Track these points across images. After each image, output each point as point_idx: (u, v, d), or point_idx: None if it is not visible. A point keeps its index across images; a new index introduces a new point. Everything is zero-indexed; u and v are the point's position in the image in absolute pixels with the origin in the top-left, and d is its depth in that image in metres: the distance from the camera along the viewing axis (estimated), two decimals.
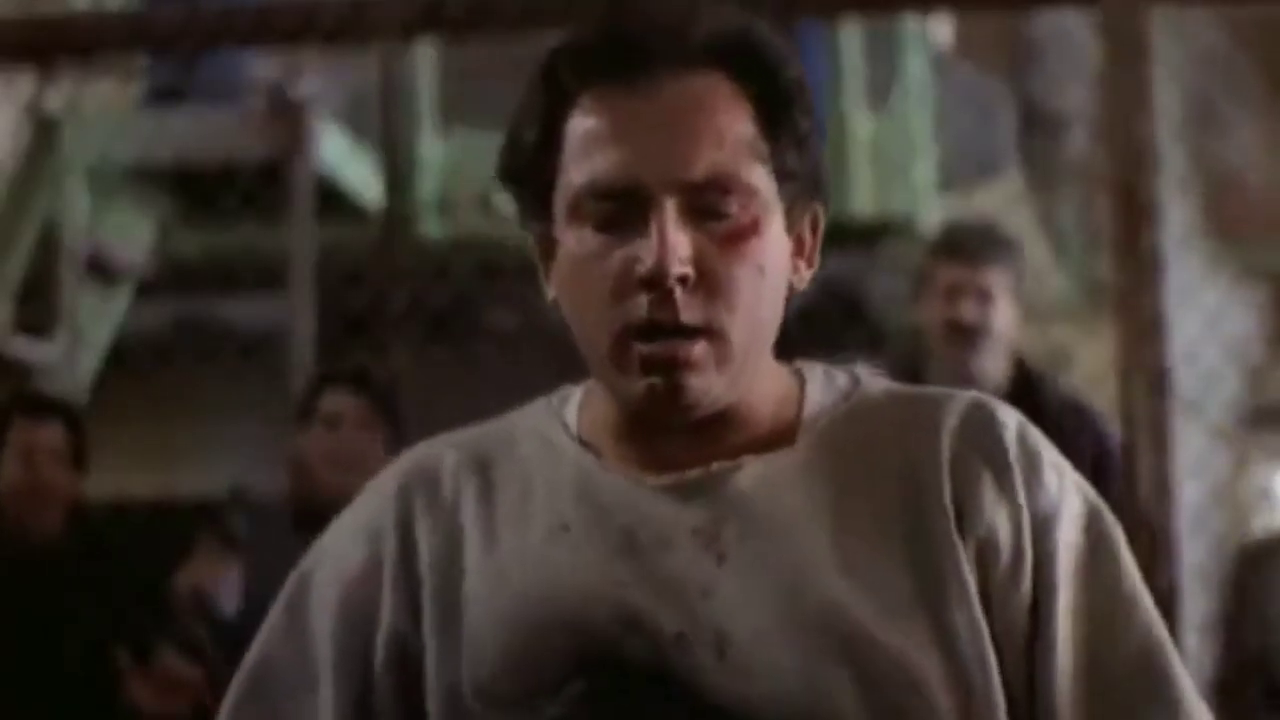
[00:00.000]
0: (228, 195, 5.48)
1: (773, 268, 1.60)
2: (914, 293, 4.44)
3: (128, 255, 6.65)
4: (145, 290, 6.78)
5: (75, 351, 6.17)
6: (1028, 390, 4.33)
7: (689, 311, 1.55)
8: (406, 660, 1.64)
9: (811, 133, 1.61)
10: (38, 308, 6.34)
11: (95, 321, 6.34)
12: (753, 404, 1.63)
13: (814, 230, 1.66)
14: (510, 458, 1.69)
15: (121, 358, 6.37)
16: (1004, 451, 1.62)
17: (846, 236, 6.97)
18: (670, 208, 1.55)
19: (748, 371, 1.60)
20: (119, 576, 4.27)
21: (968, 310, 4.21)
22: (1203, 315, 4.45)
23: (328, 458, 3.97)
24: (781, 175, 1.60)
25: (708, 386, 1.58)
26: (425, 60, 6.62)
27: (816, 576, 1.56)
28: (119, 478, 4.79)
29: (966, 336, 4.19)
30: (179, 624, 4.06)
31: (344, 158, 6.16)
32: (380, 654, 1.65)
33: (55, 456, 4.38)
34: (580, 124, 1.59)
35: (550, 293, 1.68)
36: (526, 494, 1.65)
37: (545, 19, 4.76)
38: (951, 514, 1.58)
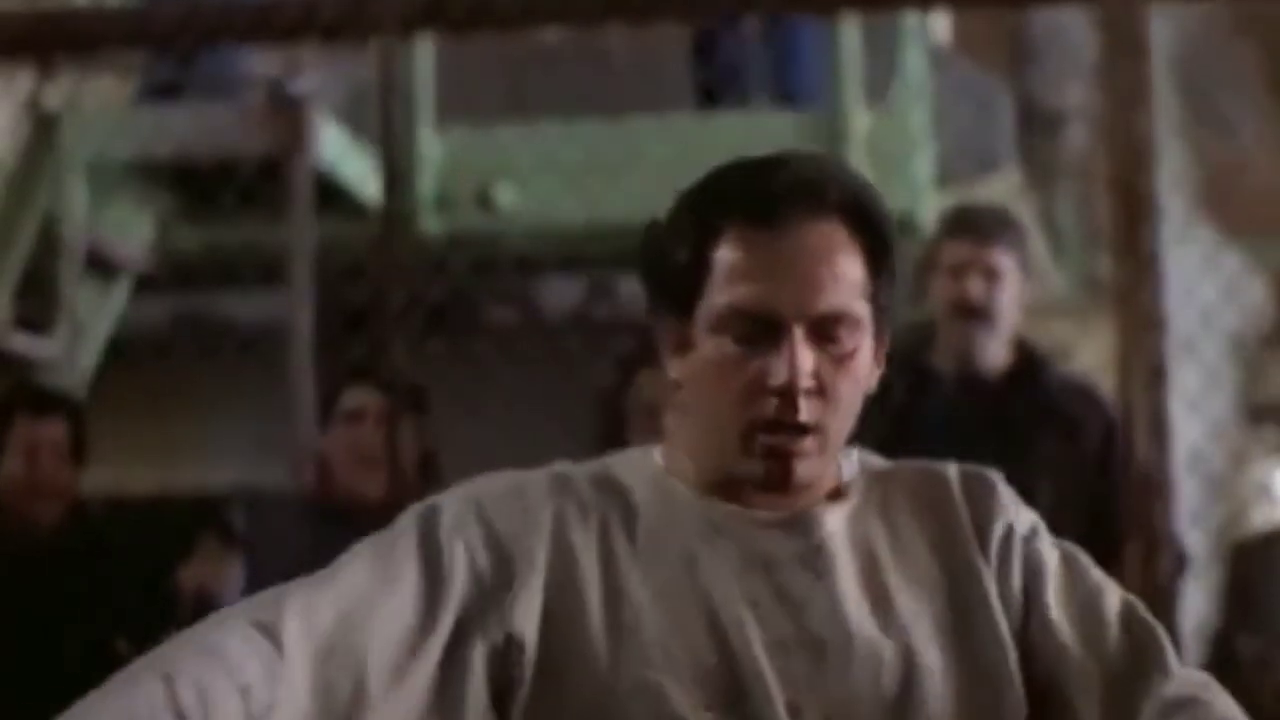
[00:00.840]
0: (227, 191, 5.49)
1: (864, 378, 2.02)
2: (912, 289, 4.45)
3: (127, 251, 6.65)
4: (144, 286, 6.78)
5: (75, 346, 6.18)
6: (1031, 372, 4.33)
7: (806, 414, 1.96)
8: (511, 643, 1.93)
9: (892, 264, 2.03)
10: (37, 303, 6.34)
11: (94, 317, 6.35)
12: (827, 466, 2.05)
13: (882, 341, 2.05)
14: (630, 491, 2.05)
15: (121, 353, 6.38)
16: (995, 488, 2.08)
17: None
18: (799, 333, 1.95)
19: (836, 444, 2.02)
20: (119, 571, 4.28)
21: (974, 288, 4.20)
22: (1200, 311, 4.46)
23: (351, 453, 4.04)
24: (876, 306, 2.01)
25: (810, 470, 2.00)
26: (425, 57, 6.63)
27: (885, 594, 2.00)
28: (118, 472, 4.79)
29: (973, 315, 4.19)
30: (179, 619, 4.07)
31: (343, 154, 6.17)
32: (504, 617, 1.94)
33: (58, 452, 4.39)
34: (727, 255, 1.97)
35: (673, 373, 2.06)
36: (660, 524, 2.02)
37: (543, 16, 4.76)
38: (973, 535, 2.03)
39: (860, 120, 6.92)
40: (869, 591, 2.00)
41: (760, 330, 1.96)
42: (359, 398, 4.09)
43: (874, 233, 2.01)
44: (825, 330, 1.97)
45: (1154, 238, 3.89)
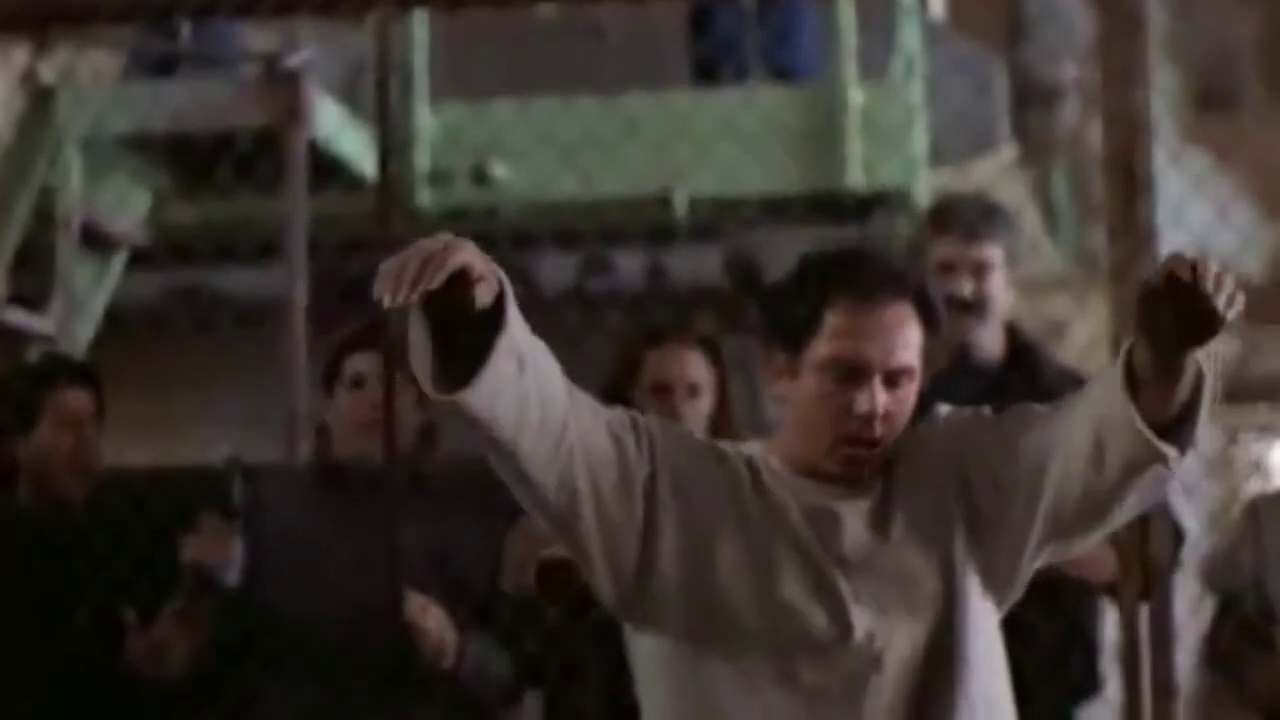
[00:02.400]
0: (223, 165, 5.48)
1: (909, 396, 2.91)
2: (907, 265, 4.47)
3: (123, 225, 6.65)
4: (140, 260, 6.78)
5: (71, 321, 6.18)
6: (1024, 359, 4.36)
7: (878, 432, 2.88)
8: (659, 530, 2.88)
9: (940, 330, 2.94)
10: (33, 278, 6.34)
11: (90, 292, 6.35)
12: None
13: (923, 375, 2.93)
14: (759, 468, 2.96)
15: (116, 327, 6.38)
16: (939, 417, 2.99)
17: (840, 209, 6.98)
18: (878, 380, 2.86)
19: (885, 454, 2.93)
20: (124, 542, 4.31)
21: (963, 286, 4.24)
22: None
23: (353, 418, 4.12)
24: (924, 350, 2.90)
25: (871, 468, 2.92)
26: (421, 32, 6.62)
27: (936, 540, 2.90)
28: (115, 446, 4.80)
29: (964, 310, 4.23)
30: (182, 592, 4.09)
31: (339, 129, 6.17)
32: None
33: (92, 422, 4.41)
34: (834, 319, 2.87)
35: (778, 391, 2.96)
36: (772, 489, 2.94)
37: None
38: (955, 473, 2.92)
39: (856, 96, 6.92)
40: (885, 528, 2.90)
41: (852, 374, 2.86)
42: (361, 364, 4.14)
43: (929, 312, 2.91)
44: (894, 379, 2.88)
45: (1150, 215, 3.90)
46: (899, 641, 2.84)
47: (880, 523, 2.91)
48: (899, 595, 2.87)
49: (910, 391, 2.89)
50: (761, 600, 2.85)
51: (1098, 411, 2.73)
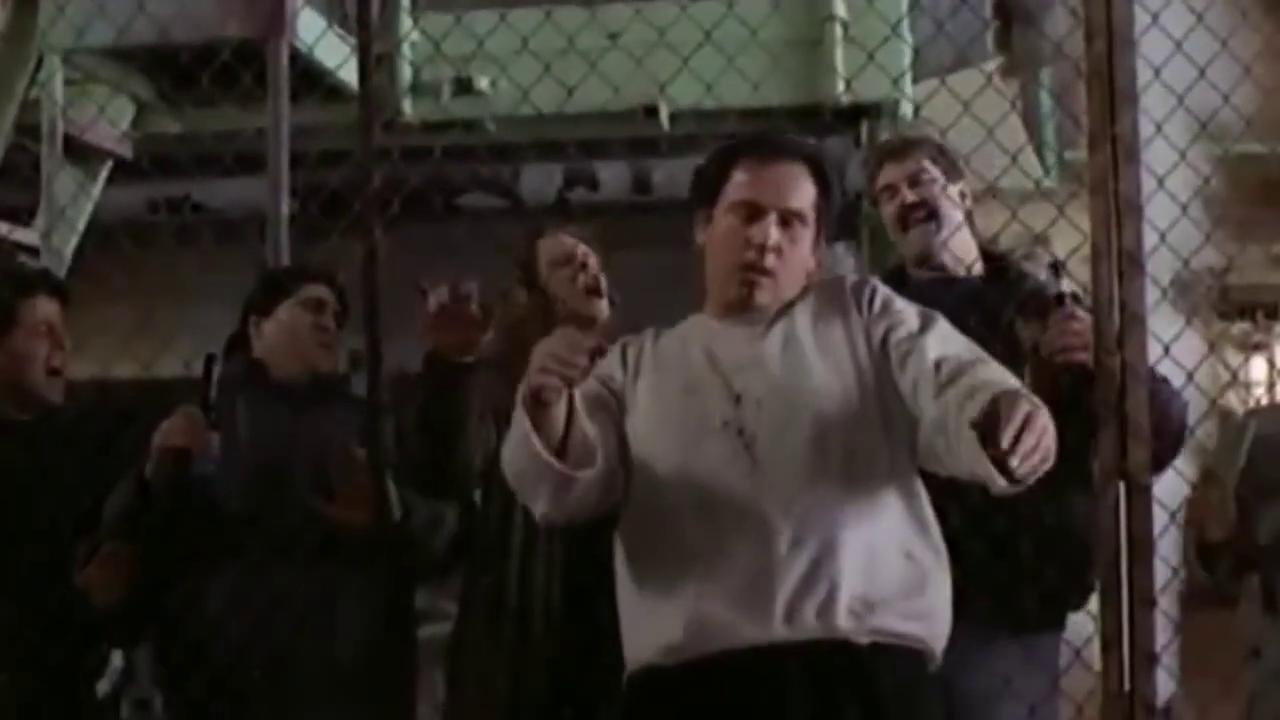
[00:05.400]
0: (206, 77, 5.47)
1: (804, 247, 3.54)
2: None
3: (106, 137, 6.64)
4: (123, 170, 6.78)
5: (54, 232, 6.18)
6: (1005, 271, 4.40)
7: (769, 262, 3.48)
8: (605, 404, 3.48)
9: (833, 200, 3.58)
10: (17, 190, 6.34)
11: (74, 203, 6.35)
12: (780, 300, 3.53)
13: (817, 245, 3.57)
14: (666, 331, 3.62)
15: (100, 239, 6.38)
16: (874, 288, 3.53)
17: (824, 121, 6.99)
18: (773, 218, 3.49)
19: (785, 291, 3.52)
20: (106, 450, 4.34)
21: (905, 196, 4.35)
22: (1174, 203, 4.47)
23: (313, 333, 4.46)
24: (817, 217, 3.55)
25: (765, 296, 3.50)
26: None
27: (801, 354, 3.44)
28: (100, 357, 4.82)
29: (916, 216, 4.33)
30: (154, 481, 4.17)
31: (321, 40, 6.15)
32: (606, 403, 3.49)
33: (63, 332, 4.46)
34: (739, 174, 3.54)
35: (700, 239, 3.59)
36: (673, 337, 3.58)
37: None
38: (854, 305, 3.48)
39: (840, 7, 6.92)
40: (789, 355, 3.42)
41: (752, 214, 3.49)
42: (319, 291, 4.48)
43: (821, 173, 3.55)
44: (787, 220, 3.50)
45: (1132, 126, 3.90)
46: (783, 435, 3.32)
47: (781, 341, 3.44)
48: (791, 397, 3.36)
49: (803, 236, 3.52)
50: (661, 420, 3.42)
51: (956, 424, 3.11)
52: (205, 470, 4.14)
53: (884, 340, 3.43)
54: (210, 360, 4.19)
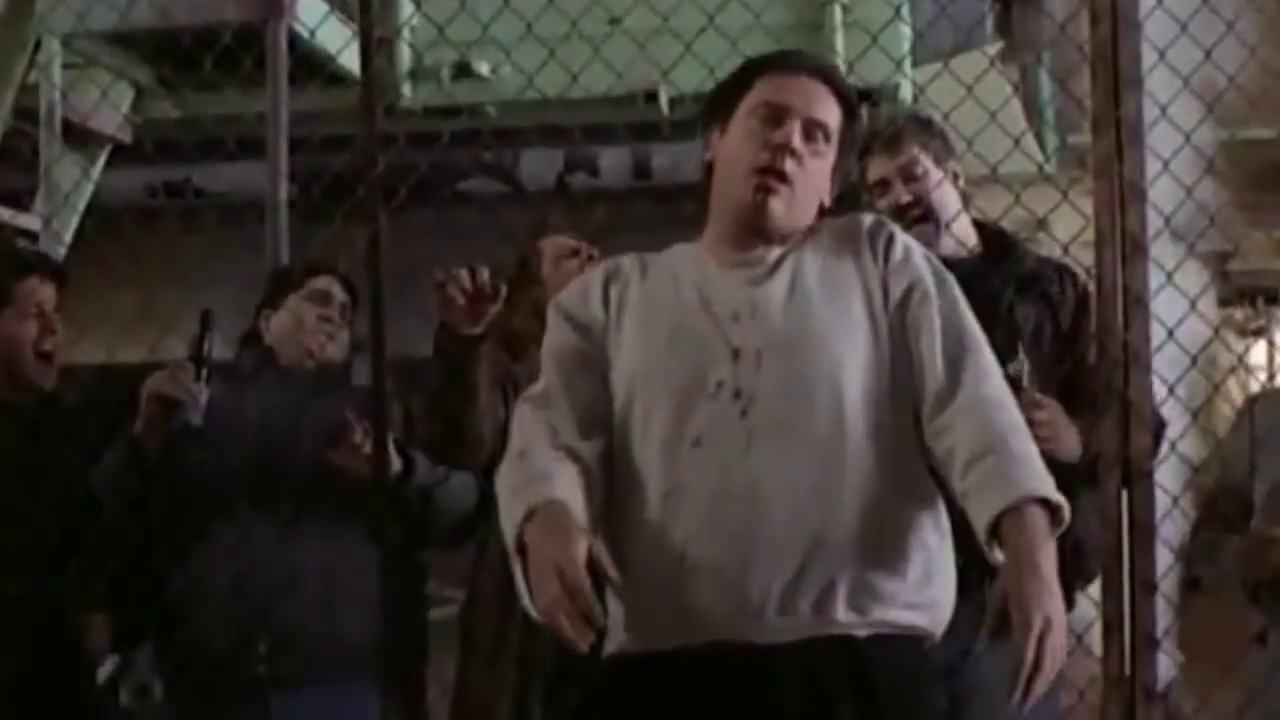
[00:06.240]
0: (206, 61, 5.46)
1: (823, 168, 3.25)
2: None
3: (105, 121, 6.63)
4: (123, 155, 6.76)
5: (54, 217, 6.17)
6: (1005, 251, 4.37)
7: (789, 166, 3.17)
8: (589, 361, 3.20)
9: (856, 124, 3.29)
10: (17, 174, 6.33)
11: (73, 187, 6.34)
12: (796, 230, 3.23)
13: (835, 175, 3.27)
14: (655, 262, 3.30)
15: (100, 224, 6.37)
16: (891, 234, 3.22)
17: None
18: (797, 123, 3.20)
19: (798, 214, 3.22)
20: (107, 430, 4.36)
21: (899, 195, 4.28)
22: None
23: (318, 324, 4.52)
24: (839, 148, 3.27)
25: (779, 208, 3.18)
26: None
27: (807, 297, 3.14)
28: (100, 342, 4.81)
29: (910, 215, 4.26)
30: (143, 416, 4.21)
31: (322, 24, 6.14)
32: (583, 353, 3.21)
33: (54, 316, 4.46)
34: (762, 82, 3.24)
35: (710, 154, 3.29)
36: (664, 273, 3.26)
37: None
38: (869, 253, 3.19)
39: None
40: (795, 303, 3.12)
41: (775, 115, 3.20)
42: (328, 283, 4.56)
43: (847, 99, 3.28)
44: (811, 132, 3.20)
45: (1136, 109, 3.89)
46: (784, 397, 3.02)
47: (787, 286, 3.15)
48: (795, 352, 3.06)
49: (825, 155, 3.24)
50: (646, 378, 3.11)
51: (968, 484, 2.95)
52: (190, 421, 4.17)
53: (903, 300, 3.13)
54: (206, 316, 4.23)
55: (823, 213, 3.28)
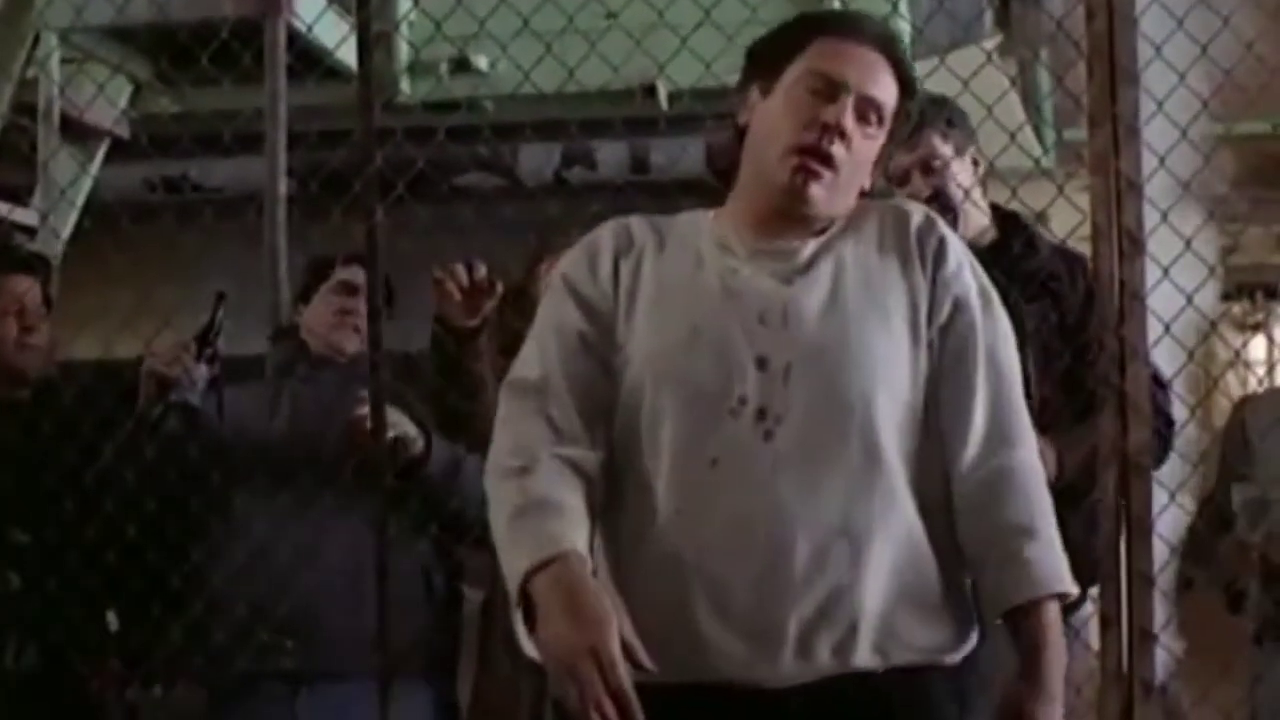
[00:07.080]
0: (204, 56, 5.45)
1: (871, 153, 2.94)
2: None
3: (103, 116, 6.63)
4: (120, 149, 6.76)
5: (52, 212, 6.17)
6: (1017, 240, 4.37)
7: (836, 150, 2.85)
8: (592, 345, 2.88)
9: (910, 103, 2.97)
10: (14, 169, 6.33)
11: (71, 182, 6.34)
12: (834, 219, 2.93)
13: (880, 160, 2.97)
14: (672, 231, 2.98)
15: (97, 219, 6.37)
16: (943, 239, 2.93)
17: None
18: (850, 100, 2.87)
19: (839, 202, 2.91)
20: (105, 425, 4.38)
21: (919, 188, 4.27)
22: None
23: (341, 316, 4.56)
24: (894, 117, 2.94)
25: (820, 192, 2.87)
26: None
27: (842, 293, 2.84)
28: (98, 338, 4.82)
29: (931, 208, 4.25)
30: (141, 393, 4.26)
31: (320, 18, 6.13)
32: (584, 328, 2.89)
33: (38, 311, 4.46)
34: (818, 45, 2.90)
35: (744, 119, 2.96)
36: (682, 250, 2.94)
37: None
38: (918, 258, 2.89)
39: None
40: (835, 308, 2.82)
41: (828, 88, 2.87)
42: (354, 274, 4.53)
43: (906, 74, 2.95)
44: (865, 112, 2.89)
45: (1133, 105, 3.89)
46: (815, 418, 2.73)
47: (826, 287, 2.84)
48: (831, 367, 2.76)
49: (875, 140, 2.92)
50: (658, 382, 2.81)
51: (980, 550, 2.82)
52: (187, 400, 4.19)
53: (949, 322, 2.87)
54: (220, 297, 4.28)
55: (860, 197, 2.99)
